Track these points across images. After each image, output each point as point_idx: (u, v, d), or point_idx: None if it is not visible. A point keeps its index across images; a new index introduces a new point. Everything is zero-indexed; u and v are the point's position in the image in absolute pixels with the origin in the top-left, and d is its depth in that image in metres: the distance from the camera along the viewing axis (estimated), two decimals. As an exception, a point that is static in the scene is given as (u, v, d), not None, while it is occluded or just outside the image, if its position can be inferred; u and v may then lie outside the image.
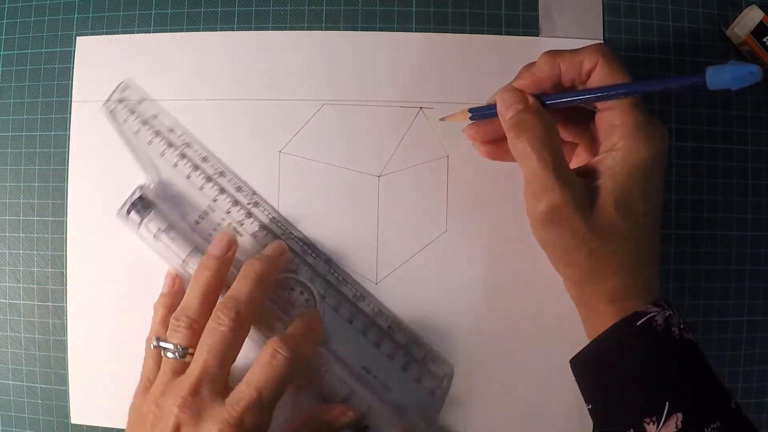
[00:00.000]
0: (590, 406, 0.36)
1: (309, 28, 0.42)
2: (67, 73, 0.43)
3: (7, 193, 0.43)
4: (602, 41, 0.42)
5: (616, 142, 0.34)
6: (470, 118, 0.38)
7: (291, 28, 0.42)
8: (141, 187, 0.41)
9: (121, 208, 0.40)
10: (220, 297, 0.38)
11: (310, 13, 0.42)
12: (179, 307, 0.37)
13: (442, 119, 0.41)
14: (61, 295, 0.42)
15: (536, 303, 0.41)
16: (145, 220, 0.40)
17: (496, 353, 0.41)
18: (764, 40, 0.42)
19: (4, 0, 0.44)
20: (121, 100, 0.40)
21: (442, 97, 0.42)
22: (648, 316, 0.34)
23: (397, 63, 0.42)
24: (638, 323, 0.34)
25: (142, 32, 0.43)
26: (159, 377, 0.36)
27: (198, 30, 0.43)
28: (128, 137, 0.41)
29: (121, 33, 0.43)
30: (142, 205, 0.40)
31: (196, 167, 0.41)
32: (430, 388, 0.40)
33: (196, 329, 0.36)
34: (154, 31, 0.43)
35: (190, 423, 0.33)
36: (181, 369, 0.35)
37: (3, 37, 0.44)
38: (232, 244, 0.39)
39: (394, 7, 0.42)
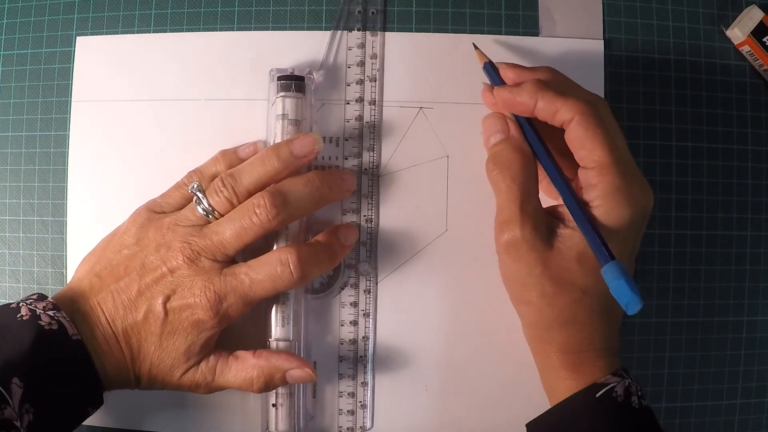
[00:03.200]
0: None
1: (309, 29, 0.42)
2: (67, 73, 0.43)
3: (7, 193, 0.43)
4: (602, 41, 0.42)
5: (593, 200, 0.33)
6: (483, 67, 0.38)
7: (291, 29, 0.42)
8: (310, 71, 0.40)
9: (278, 72, 0.40)
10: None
11: (310, 13, 0.42)
12: (233, 171, 0.37)
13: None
14: (61, 295, 0.42)
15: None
16: (286, 96, 0.39)
17: (496, 352, 0.41)
18: (764, 40, 0.42)
19: (4, 0, 0.44)
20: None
21: (442, 97, 0.42)
22: (607, 387, 0.33)
23: (397, 63, 0.42)
24: (597, 395, 0.33)
25: (142, 32, 0.43)
26: (185, 214, 0.37)
27: (198, 30, 0.43)
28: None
29: (121, 33, 0.43)
30: (296, 85, 0.39)
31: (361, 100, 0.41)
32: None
33: (234, 204, 0.36)
34: (154, 31, 0.43)
35: (184, 274, 0.35)
36: (204, 221, 0.37)
37: (3, 37, 0.44)
38: (312, 151, 0.37)
39: (394, 7, 0.42)
